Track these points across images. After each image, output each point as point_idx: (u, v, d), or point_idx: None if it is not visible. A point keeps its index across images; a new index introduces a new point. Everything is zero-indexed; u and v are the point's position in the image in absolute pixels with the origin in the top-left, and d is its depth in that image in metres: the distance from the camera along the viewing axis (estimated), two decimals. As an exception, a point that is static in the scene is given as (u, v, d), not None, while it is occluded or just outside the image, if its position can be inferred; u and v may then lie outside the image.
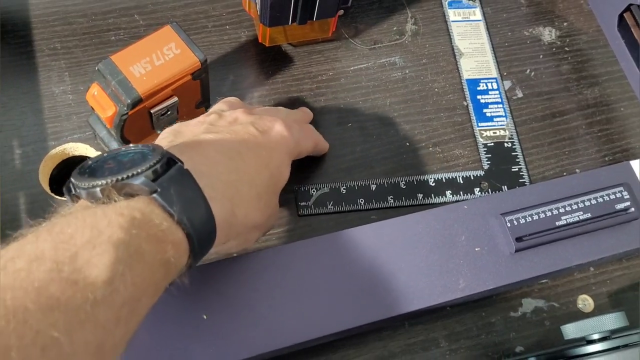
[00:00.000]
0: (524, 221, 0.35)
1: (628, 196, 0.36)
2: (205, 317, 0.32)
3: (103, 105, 0.38)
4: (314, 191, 0.43)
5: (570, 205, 0.36)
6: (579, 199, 0.36)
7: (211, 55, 0.47)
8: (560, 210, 0.35)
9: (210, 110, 0.38)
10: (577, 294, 0.42)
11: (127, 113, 0.37)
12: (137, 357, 0.30)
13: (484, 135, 0.47)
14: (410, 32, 0.50)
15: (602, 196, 0.36)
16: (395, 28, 0.50)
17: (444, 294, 0.33)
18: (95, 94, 0.38)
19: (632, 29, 0.47)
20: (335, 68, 0.48)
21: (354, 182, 0.44)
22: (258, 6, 0.42)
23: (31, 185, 0.41)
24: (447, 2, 0.52)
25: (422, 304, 0.33)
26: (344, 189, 0.43)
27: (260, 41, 0.45)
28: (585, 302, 0.42)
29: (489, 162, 0.46)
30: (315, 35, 0.46)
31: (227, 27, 0.48)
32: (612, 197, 0.36)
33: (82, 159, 0.43)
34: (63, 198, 0.38)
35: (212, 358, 0.30)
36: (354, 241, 0.34)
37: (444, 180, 0.45)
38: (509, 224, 0.35)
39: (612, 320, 0.32)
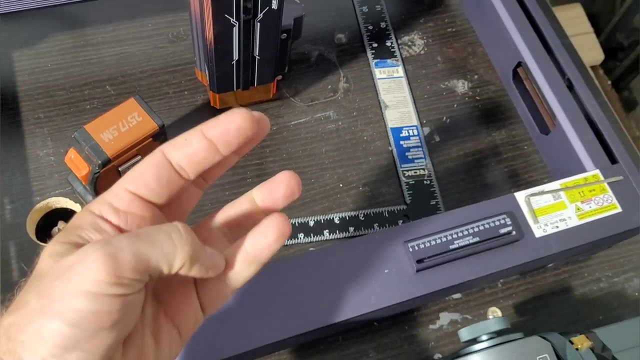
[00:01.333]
0: (423, 246, 0.43)
1: (510, 222, 0.45)
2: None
3: (78, 166, 0.46)
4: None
5: (462, 231, 0.44)
6: (469, 226, 0.44)
7: (172, 117, 0.55)
8: (454, 236, 0.43)
9: None
10: (487, 307, 0.50)
11: (98, 172, 0.45)
12: None
13: (406, 175, 0.55)
14: (343, 89, 0.59)
15: (488, 223, 0.44)
16: (329, 86, 0.59)
17: (358, 309, 0.41)
18: (72, 157, 0.46)
19: (524, 82, 0.56)
20: (279, 123, 0.56)
21: (295, 219, 0.52)
22: (207, 77, 0.51)
23: (20, 235, 0.48)
24: (374, 62, 0.61)
25: (340, 318, 0.40)
26: (286, 226, 0.51)
27: (212, 104, 0.54)
28: (494, 313, 0.49)
29: (411, 198, 0.54)
30: (260, 97, 0.55)
31: (186, 92, 0.57)
32: (497, 223, 0.44)
33: (64, 210, 0.50)
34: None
35: None
36: (292, 268, 0.42)
37: (372, 215, 0.53)
38: (411, 249, 0.43)
39: (495, 323, 0.40)
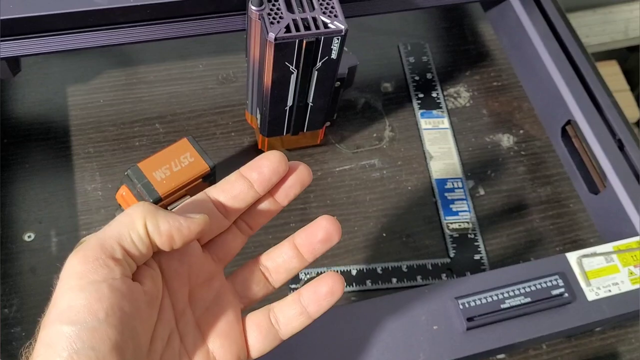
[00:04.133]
0: (474, 304, 0.42)
1: (562, 284, 0.43)
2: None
3: (130, 203, 0.46)
4: (302, 275, 0.50)
5: (513, 290, 0.43)
6: (521, 285, 0.43)
7: (218, 157, 0.56)
8: (505, 295, 0.43)
9: None
10: (532, 368, 0.49)
11: (148, 210, 0.45)
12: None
13: (450, 227, 0.55)
14: (388, 138, 0.59)
15: (540, 283, 0.43)
16: (375, 135, 0.59)
17: (406, 365, 0.40)
18: (124, 194, 0.46)
19: (573, 140, 0.55)
20: (324, 169, 0.57)
21: (338, 267, 0.51)
22: (258, 120, 0.52)
23: (64, 268, 0.48)
24: (419, 112, 0.61)
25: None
26: (328, 273, 0.51)
27: (259, 147, 0.54)
28: (539, 376, 0.48)
29: (454, 251, 0.53)
30: (307, 142, 0.55)
31: (233, 134, 0.57)
32: (549, 284, 0.43)
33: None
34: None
35: None
36: (336, 319, 0.41)
37: (415, 267, 0.52)
38: (461, 306, 0.42)
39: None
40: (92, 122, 0.56)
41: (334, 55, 0.44)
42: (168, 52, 0.61)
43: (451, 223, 0.55)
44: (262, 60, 0.44)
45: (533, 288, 0.43)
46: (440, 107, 0.62)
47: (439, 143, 0.59)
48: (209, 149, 0.56)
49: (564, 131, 0.56)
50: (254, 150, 0.56)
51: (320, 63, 0.44)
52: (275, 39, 0.41)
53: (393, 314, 0.42)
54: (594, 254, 0.46)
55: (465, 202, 0.56)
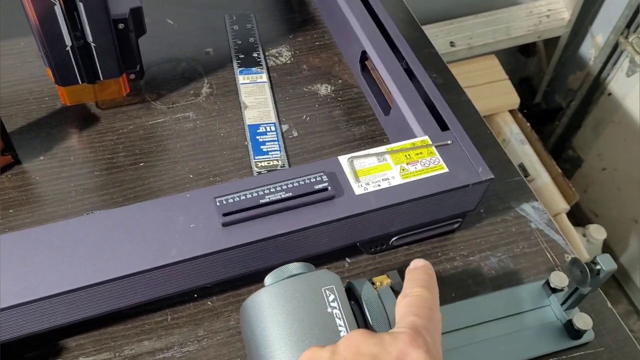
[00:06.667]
0: (232, 201, 0.42)
1: (327, 179, 0.44)
2: None
3: None
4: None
5: (274, 187, 0.43)
6: (283, 183, 0.43)
7: (27, 119, 0.56)
8: (265, 191, 0.43)
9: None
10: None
11: None
12: None
13: (258, 165, 0.55)
14: (205, 94, 0.61)
15: (304, 180, 0.44)
16: (192, 92, 0.61)
17: (157, 260, 0.39)
18: None
19: (371, 71, 0.57)
20: (136, 123, 0.57)
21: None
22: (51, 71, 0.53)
23: None
24: (238, 70, 0.63)
25: (139, 268, 0.39)
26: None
27: (62, 102, 0.55)
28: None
29: (261, 185, 0.54)
30: (111, 94, 0.56)
31: (47, 98, 0.58)
32: (313, 180, 0.44)
33: None
34: None
35: None
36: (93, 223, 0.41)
37: (217, 201, 0.52)
38: (218, 203, 0.42)
39: (297, 267, 0.38)
40: None
41: (91, -17, 0.46)
42: (-7, 34, 0.63)
43: (260, 162, 0.56)
44: (24, -5, 0.46)
45: (295, 184, 0.44)
46: (260, 65, 0.64)
47: (255, 94, 0.61)
48: (17, 112, 0.57)
49: (363, 65, 0.59)
50: (65, 109, 0.57)
51: (81, -7, 0.46)
52: (22, -36, 0.43)
53: (151, 217, 0.42)
54: (366, 155, 0.47)
55: (276, 142, 0.57)
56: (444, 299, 0.48)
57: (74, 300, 0.39)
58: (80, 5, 0.47)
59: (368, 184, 0.45)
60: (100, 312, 0.41)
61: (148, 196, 0.52)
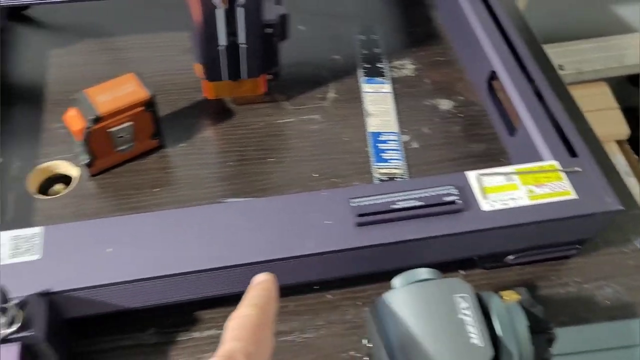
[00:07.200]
0: (366, 203, 0.45)
1: (456, 192, 0.46)
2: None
3: (73, 122, 0.52)
4: (230, 201, 0.54)
5: (406, 194, 0.45)
6: (414, 192, 0.46)
7: (171, 108, 0.61)
8: (397, 198, 0.45)
9: None
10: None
11: (90, 127, 0.51)
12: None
13: (379, 172, 0.58)
14: (331, 99, 0.64)
15: (434, 190, 0.46)
16: (319, 96, 0.64)
17: (292, 250, 0.43)
18: (70, 115, 0.52)
19: (497, 92, 0.59)
20: (265, 121, 0.61)
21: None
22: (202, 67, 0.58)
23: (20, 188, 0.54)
24: (364, 79, 0.66)
25: (274, 255, 0.42)
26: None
27: (205, 95, 0.60)
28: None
29: (380, 191, 0.56)
30: (249, 91, 0.60)
31: (187, 90, 0.63)
32: (443, 192, 0.46)
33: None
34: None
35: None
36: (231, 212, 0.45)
37: (339, 201, 0.55)
38: (353, 204, 0.45)
39: (427, 272, 0.40)
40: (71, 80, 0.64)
41: (253, -8, 0.50)
42: (140, 25, 0.69)
43: (380, 168, 0.58)
44: (190, -2, 0.51)
45: (425, 194, 0.46)
46: (384, 75, 0.66)
47: (378, 104, 0.64)
48: (161, 101, 0.62)
49: (490, 85, 0.60)
50: (205, 102, 0.62)
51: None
52: (197, -30, 0.48)
53: (287, 211, 0.45)
54: (495, 174, 0.48)
55: (397, 152, 0.59)
56: (554, 323, 0.49)
57: (215, 277, 0.43)
58: (240, 10, 0.51)
59: (495, 201, 0.46)
60: (234, 292, 0.45)
61: (275, 189, 0.56)
